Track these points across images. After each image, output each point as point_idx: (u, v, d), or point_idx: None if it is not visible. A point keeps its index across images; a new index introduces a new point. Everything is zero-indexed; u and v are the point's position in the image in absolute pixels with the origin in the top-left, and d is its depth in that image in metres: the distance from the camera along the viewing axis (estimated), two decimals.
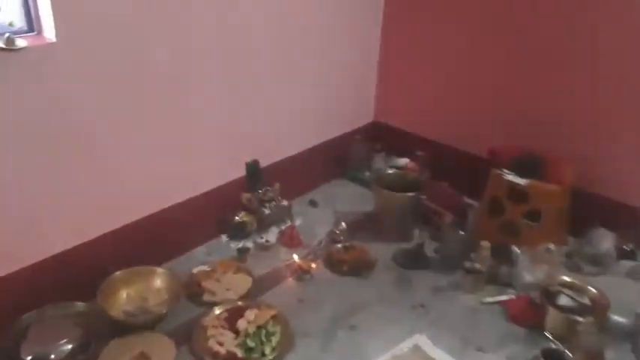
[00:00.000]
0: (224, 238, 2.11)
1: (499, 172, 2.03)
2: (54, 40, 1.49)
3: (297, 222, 2.19)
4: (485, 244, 1.87)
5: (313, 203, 2.37)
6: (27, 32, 1.51)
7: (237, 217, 2.09)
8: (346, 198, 2.43)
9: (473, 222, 2.09)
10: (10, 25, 1.50)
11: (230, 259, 1.98)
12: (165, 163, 1.87)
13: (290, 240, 2.09)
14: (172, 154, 1.88)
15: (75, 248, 1.70)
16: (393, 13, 2.48)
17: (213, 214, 2.08)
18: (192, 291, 1.82)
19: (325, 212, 2.31)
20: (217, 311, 1.71)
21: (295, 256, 1.98)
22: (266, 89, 2.12)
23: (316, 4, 2.20)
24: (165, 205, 1.91)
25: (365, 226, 2.20)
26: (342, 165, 2.57)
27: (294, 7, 2.11)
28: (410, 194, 2.09)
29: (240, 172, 2.13)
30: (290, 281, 1.91)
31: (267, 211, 2.12)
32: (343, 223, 2.12)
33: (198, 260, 1.99)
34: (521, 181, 1.96)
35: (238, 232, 2.08)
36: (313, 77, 2.32)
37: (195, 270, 1.90)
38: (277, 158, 2.26)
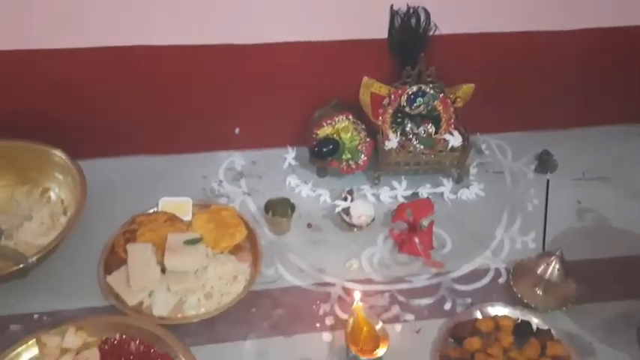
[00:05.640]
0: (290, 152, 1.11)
1: None
2: None
3: (468, 190, 1.05)
4: None
5: (545, 159, 1.12)
6: None
7: (324, 126, 1.04)
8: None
9: None
10: None
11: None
12: None
13: (406, 241, 0.93)
14: None
15: None
16: None
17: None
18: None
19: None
20: None
21: (357, 296, 0.81)
22: None
23: None
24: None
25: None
26: None
27: None
28: None
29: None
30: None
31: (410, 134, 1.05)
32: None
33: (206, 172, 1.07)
34: None
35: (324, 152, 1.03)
36: None
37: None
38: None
